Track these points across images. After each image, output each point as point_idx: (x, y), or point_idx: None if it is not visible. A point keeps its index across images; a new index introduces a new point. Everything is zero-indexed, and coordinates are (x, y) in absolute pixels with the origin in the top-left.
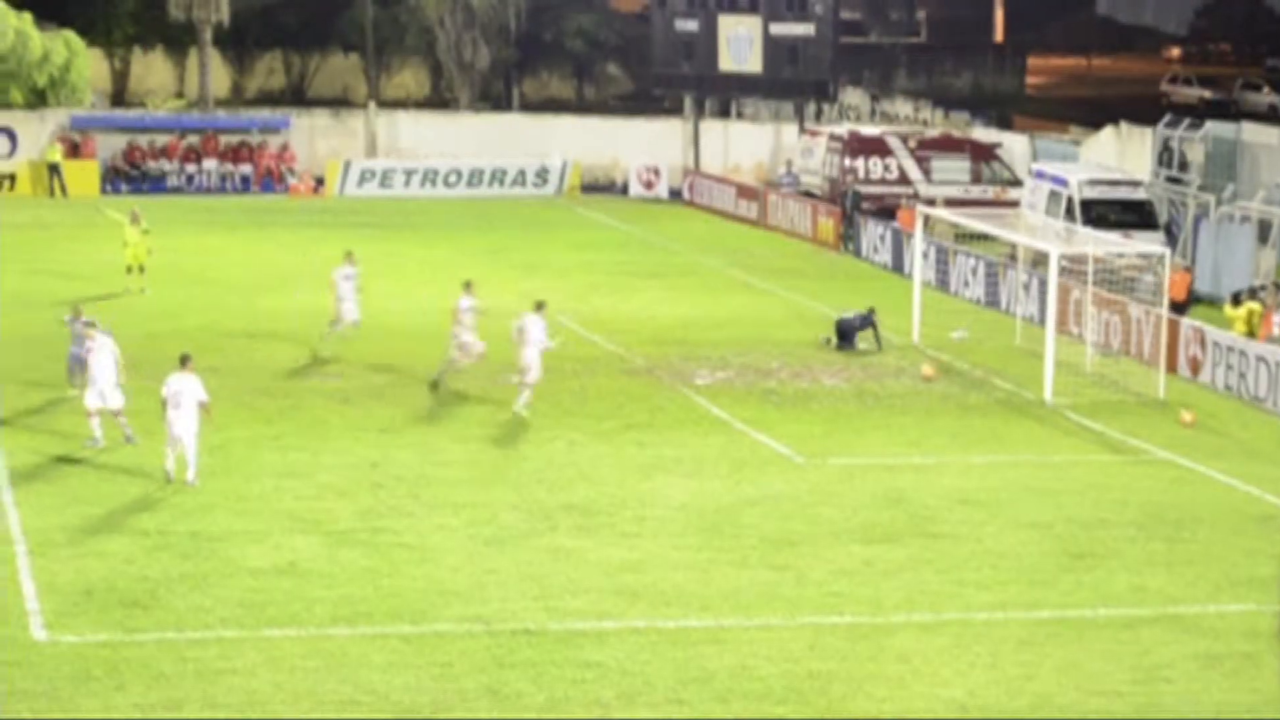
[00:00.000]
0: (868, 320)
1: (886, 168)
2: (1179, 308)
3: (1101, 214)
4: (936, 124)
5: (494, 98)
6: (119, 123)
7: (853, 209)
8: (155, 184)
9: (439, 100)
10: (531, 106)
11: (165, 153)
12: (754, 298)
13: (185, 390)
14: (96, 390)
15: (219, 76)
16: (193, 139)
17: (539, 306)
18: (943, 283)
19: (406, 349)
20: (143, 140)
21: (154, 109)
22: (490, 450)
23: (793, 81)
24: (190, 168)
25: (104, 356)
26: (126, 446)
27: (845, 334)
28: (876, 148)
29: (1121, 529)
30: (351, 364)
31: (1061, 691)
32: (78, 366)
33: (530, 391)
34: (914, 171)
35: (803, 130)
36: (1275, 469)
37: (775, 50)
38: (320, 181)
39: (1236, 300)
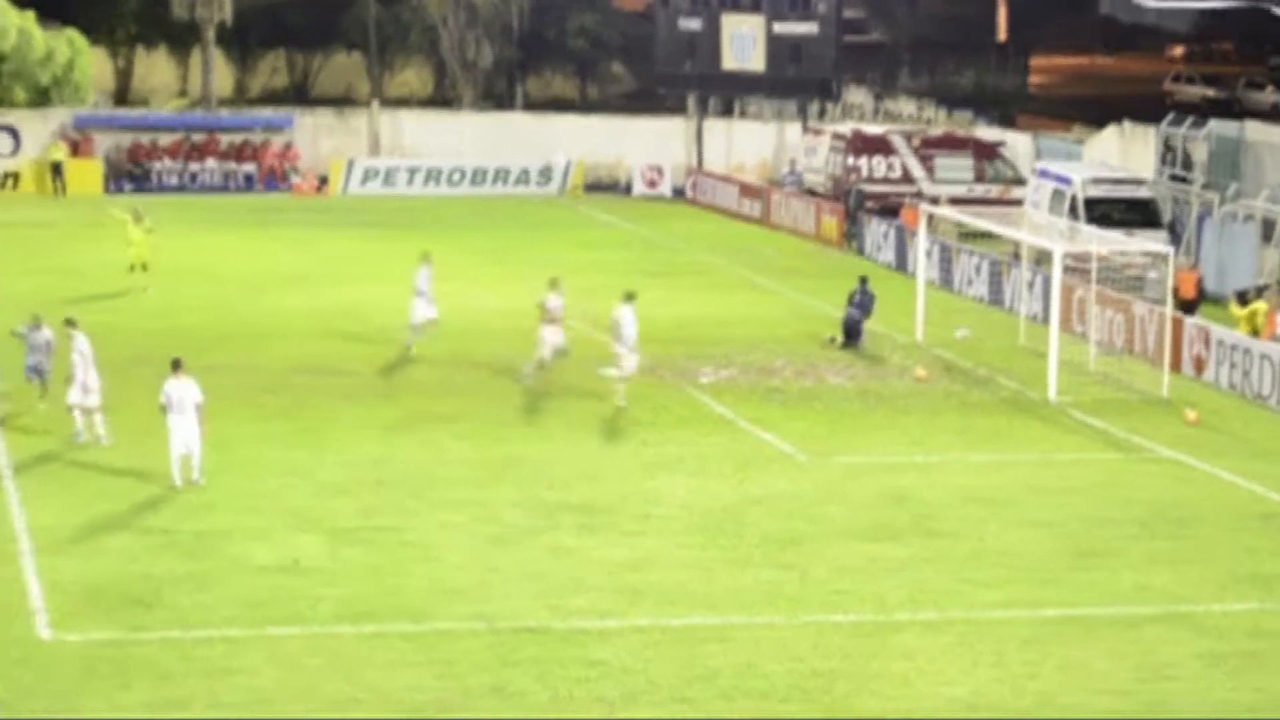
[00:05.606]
0: (865, 303)
1: (890, 166)
2: (1189, 306)
3: (1105, 213)
4: (940, 123)
5: (497, 97)
6: (122, 122)
7: (856, 208)
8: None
9: (442, 99)
10: (535, 105)
11: (169, 151)
12: (758, 296)
13: (184, 395)
14: (79, 386)
15: (222, 75)
16: (196, 137)
17: (629, 297)
18: (946, 281)
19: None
20: (146, 139)
21: (157, 108)
22: (493, 448)
23: (796, 80)
24: (193, 166)
25: (87, 356)
26: (129, 445)
27: (852, 331)
28: (880, 146)
29: (1125, 527)
30: (357, 362)
31: (1066, 690)
32: (36, 376)
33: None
34: (917, 170)
35: (806, 129)
36: (1279, 467)
37: (778, 49)
38: (324, 180)
39: (1242, 299)
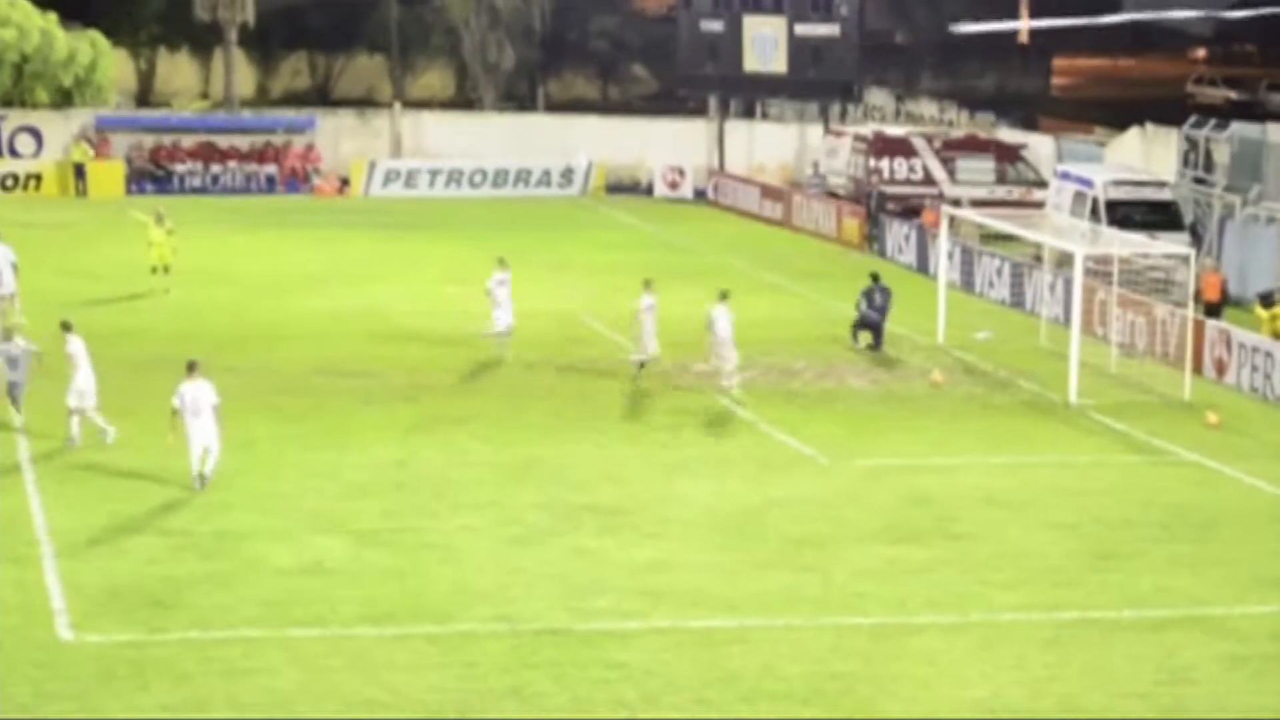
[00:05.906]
0: (884, 304)
1: (911, 168)
2: (1214, 309)
3: (1127, 215)
4: (961, 125)
5: (519, 98)
6: (144, 123)
7: (877, 209)
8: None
9: (464, 101)
10: (556, 107)
11: (190, 153)
12: (779, 298)
13: (200, 397)
14: (76, 390)
15: (244, 77)
16: (218, 139)
17: (724, 296)
18: (967, 284)
19: (430, 349)
20: (167, 140)
21: (179, 109)
22: (514, 450)
23: (817, 82)
24: (215, 168)
25: (82, 358)
26: (148, 447)
27: (873, 326)
28: (901, 148)
29: (1146, 530)
30: (377, 364)
31: (1086, 693)
32: (12, 391)
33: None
34: (939, 172)
35: (827, 131)
36: None
37: (800, 51)
38: (345, 182)
39: (1266, 301)
